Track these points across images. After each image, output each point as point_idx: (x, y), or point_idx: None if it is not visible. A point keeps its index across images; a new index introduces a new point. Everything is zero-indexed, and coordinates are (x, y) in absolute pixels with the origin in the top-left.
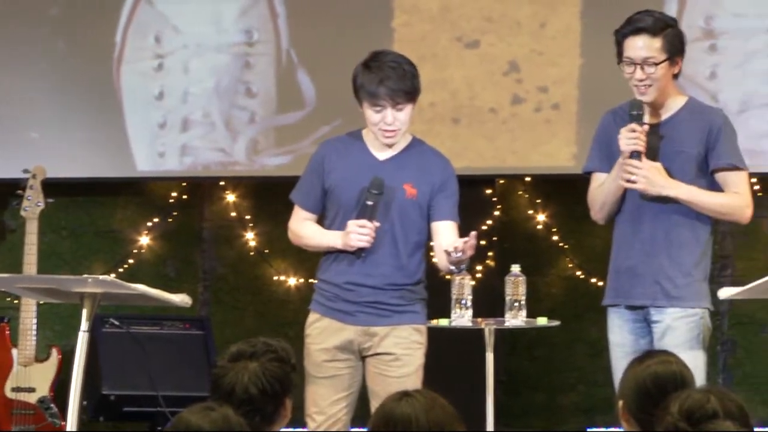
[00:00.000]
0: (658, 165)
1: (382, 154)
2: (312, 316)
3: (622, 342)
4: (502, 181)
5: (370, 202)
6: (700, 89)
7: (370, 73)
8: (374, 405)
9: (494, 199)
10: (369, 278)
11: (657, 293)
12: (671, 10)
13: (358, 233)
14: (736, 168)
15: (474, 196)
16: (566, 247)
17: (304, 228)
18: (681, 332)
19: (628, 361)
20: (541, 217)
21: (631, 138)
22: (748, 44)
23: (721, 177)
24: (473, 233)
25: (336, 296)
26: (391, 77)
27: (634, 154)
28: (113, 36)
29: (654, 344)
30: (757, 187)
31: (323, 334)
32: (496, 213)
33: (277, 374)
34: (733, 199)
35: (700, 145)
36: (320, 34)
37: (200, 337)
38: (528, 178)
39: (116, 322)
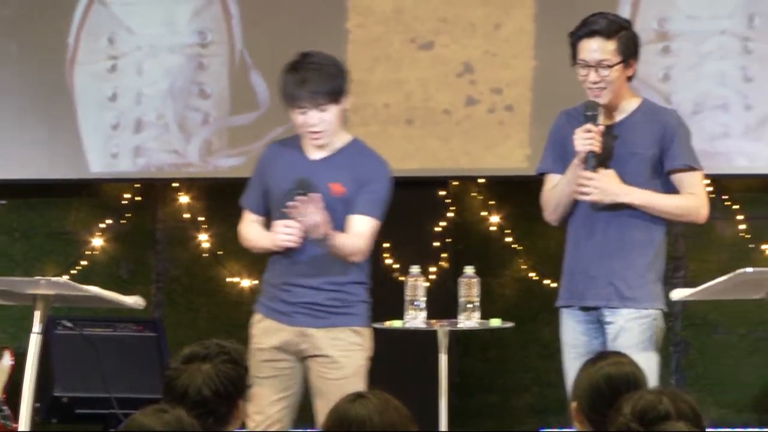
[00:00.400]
0: (611, 172)
1: (315, 155)
2: (256, 316)
3: (575, 343)
4: (455, 183)
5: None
6: (654, 91)
7: (293, 74)
8: (317, 406)
9: (448, 200)
10: (304, 278)
11: (611, 294)
12: (624, 12)
13: (284, 233)
14: (691, 169)
15: (427, 197)
16: (520, 248)
17: (249, 230)
18: (634, 333)
19: (581, 362)
20: (494, 219)
21: (586, 138)
22: (701, 46)
23: (676, 178)
24: (316, 195)
25: (275, 296)
26: (311, 78)
27: (590, 155)
28: (66, 37)
29: (607, 345)
30: (710, 189)
31: (264, 334)
32: (450, 214)
33: (230, 376)
34: (689, 200)
35: (654, 146)
36: (274, 36)
37: (153, 339)
38: (482, 180)
39: (69, 324)
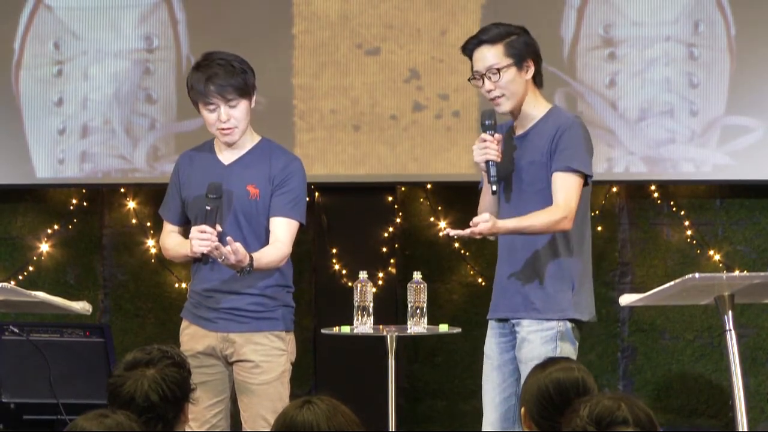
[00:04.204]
0: (485, 216)
1: (227, 158)
2: (183, 324)
3: (490, 354)
4: (403, 189)
5: (208, 207)
6: (600, 97)
7: (198, 72)
8: (241, 410)
9: (395, 206)
10: (225, 284)
11: (518, 305)
12: (570, 18)
13: (199, 239)
14: (569, 170)
15: (375, 203)
16: (467, 254)
17: (168, 240)
18: (535, 345)
19: (495, 374)
20: (442, 224)
21: (482, 148)
22: (646, 52)
23: (553, 179)
24: (229, 238)
25: (198, 303)
26: (218, 74)
27: (490, 164)
28: (12, 42)
29: (515, 354)
30: (656, 195)
31: (191, 341)
32: (398, 220)
33: (175, 379)
34: (549, 215)
35: (547, 152)
36: (220, 41)
37: (101, 345)
38: (429, 185)
39: (16, 330)
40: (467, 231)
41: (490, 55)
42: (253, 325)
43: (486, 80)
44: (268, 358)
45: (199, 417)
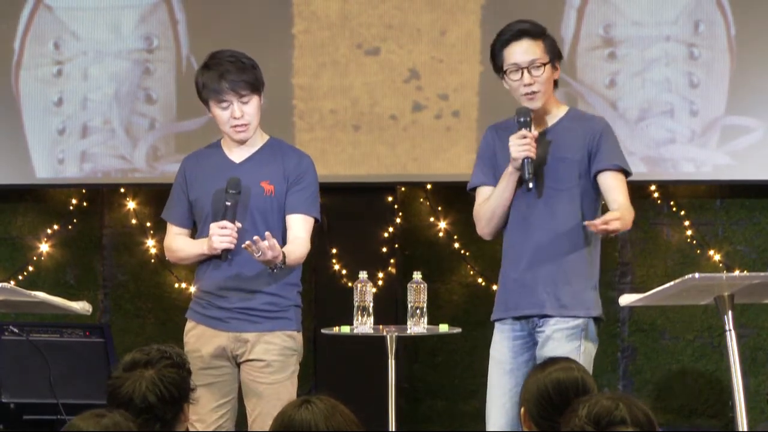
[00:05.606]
0: (616, 214)
1: (238, 157)
2: (188, 324)
3: (501, 359)
4: (403, 189)
5: (228, 203)
6: (600, 97)
7: (209, 71)
8: (248, 411)
9: (395, 206)
10: (239, 282)
11: (543, 303)
12: (570, 17)
13: (219, 234)
14: (620, 170)
15: (375, 203)
16: (467, 254)
17: (176, 242)
18: (560, 343)
19: (505, 379)
20: (442, 225)
21: (522, 144)
22: (646, 52)
23: (604, 178)
24: (267, 233)
25: (209, 303)
26: (230, 71)
27: (527, 161)
28: (12, 42)
29: (536, 353)
30: (656, 195)
31: (198, 342)
32: (398, 220)
33: (174, 380)
34: (630, 215)
35: (582, 150)
36: (220, 41)
37: (101, 345)
38: (429, 186)
39: (15, 330)
40: (601, 227)
41: (534, 50)
42: (266, 324)
43: (526, 73)
44: (280, 357)
45: (206, 418)
